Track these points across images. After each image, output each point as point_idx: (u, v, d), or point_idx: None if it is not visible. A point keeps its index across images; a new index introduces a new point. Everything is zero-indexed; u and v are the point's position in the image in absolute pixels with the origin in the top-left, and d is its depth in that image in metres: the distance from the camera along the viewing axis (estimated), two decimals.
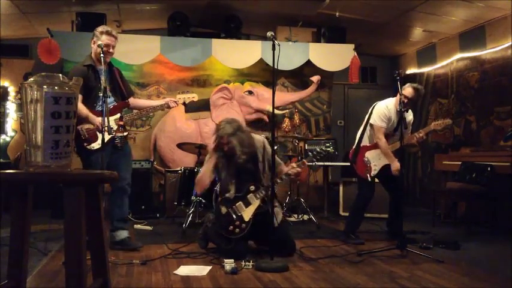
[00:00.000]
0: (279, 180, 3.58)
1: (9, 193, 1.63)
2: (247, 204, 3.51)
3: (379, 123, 4.16)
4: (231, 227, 3.46)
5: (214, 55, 5.83)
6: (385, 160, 4.16)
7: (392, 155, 4.14)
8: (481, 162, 4.92)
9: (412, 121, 4.40)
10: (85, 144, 3.52)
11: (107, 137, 3.48)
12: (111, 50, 3.61)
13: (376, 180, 4.32)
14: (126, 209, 3.83)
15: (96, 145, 3.52)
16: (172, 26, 5.86)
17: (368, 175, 4.19)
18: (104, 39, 3.55)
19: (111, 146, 3.62)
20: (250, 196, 3.51)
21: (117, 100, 3.73)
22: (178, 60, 5.82)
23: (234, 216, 3.48)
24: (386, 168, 4.17)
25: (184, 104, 3.99)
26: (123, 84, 3.82)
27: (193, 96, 4.02)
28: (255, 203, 3.50)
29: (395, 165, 4.06)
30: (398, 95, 3.93)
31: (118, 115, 3.67)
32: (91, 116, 3.49)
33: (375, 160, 4.22)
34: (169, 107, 3.92)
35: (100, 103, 3.44)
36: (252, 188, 3.52)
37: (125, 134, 3.74)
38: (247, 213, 3.48)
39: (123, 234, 3.75)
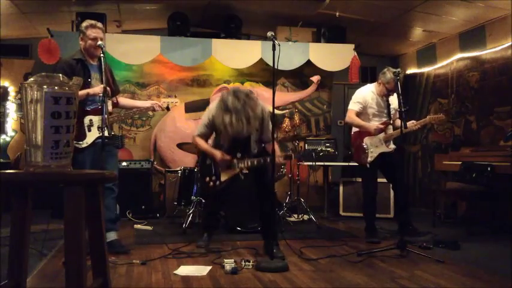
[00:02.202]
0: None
1: (9, 193, 1.63)
2: (228, 167, 3.62)
3: (350, 106, 4.41)
4: (207, 178, 3.63)
5: (214, 55, 5.83)
6: (383, 148, 4.27)
7: (366, 126, 4.29)
8: (481, 162, 4.91)
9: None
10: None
11: (94, 135, 3.39)
12: (99, 42, 3.45)
13: (381, 179, 4.45)
14: (114, 209, 3.72)
15: (84, 143, 3.39)
16: (172, 26, 5.86)
17: (364, 161, 4.29)
18: (91, 34, 3.45)
19: (98, 145, 3.38)
20: (233, 161, 3.61)
21: (107, 98, 3.54)
22: (178, 60, 5.82)
23: (214, 170, 3.63)
24: (384, 156, 4.27)
25: (167, 108, 4.01)
26: (112, 81, 3.71)
27: (176, 101, 4.07)
28: (235, 170, 3.61)
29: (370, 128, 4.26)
30: (377, 82, 4.32)
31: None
32: (93, 89, 3.37)
33: (372, 147, 4.29)
34: (154, 110, 3.94)
35: (90, 101, 3.39)
36: (239, 155, 3.61)
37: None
38: (225, 175, 3.62)
39: (110, 235, 3.57)
